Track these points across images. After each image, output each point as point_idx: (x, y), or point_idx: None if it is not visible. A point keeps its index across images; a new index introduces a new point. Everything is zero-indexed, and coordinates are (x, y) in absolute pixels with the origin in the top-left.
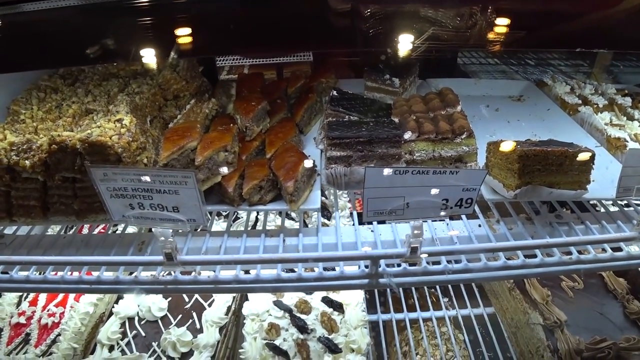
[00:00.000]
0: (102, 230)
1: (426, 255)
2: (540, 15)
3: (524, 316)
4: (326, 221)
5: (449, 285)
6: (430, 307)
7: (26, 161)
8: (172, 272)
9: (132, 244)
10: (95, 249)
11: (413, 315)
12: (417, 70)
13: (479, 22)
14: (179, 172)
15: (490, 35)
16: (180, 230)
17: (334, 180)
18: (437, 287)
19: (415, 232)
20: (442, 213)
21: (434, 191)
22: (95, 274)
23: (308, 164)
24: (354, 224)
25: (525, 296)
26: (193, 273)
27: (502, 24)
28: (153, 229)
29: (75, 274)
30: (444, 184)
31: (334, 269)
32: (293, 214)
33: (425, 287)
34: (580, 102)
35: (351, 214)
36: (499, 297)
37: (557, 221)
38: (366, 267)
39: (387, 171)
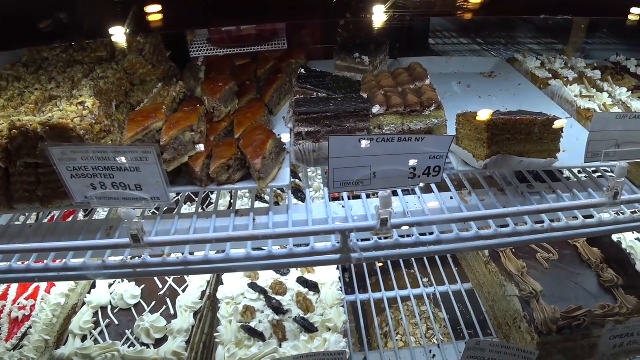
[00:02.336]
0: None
1: (396, 228)
2: None
3: (500, 289)
4: (300, 203)
5: (427, 263)
6: (409, 286)
7: None
8: (140, 256)
9: (99, 229)
10: (62, 236)
11: (391, 294)
12: (388, 49)
13: None
14: (138, 147)
15: (458, 2)
16: (145, 211)
17: (303, 157)
18: (415, 265)
19: (384, 202)
20: (410, 182)
21: (401, 159)
22: (62, 260)
23: (275, 140)
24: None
25: (501, 269)
26: (162, 255)
27: None
28: (118, 210)
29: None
30: (410, 152)
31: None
32: (266, 197)
33: (403, 266)
34: (550, 76)
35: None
36: (476, 272)
37: (529, 191)
38: (337, 242)
39: (351, 140)
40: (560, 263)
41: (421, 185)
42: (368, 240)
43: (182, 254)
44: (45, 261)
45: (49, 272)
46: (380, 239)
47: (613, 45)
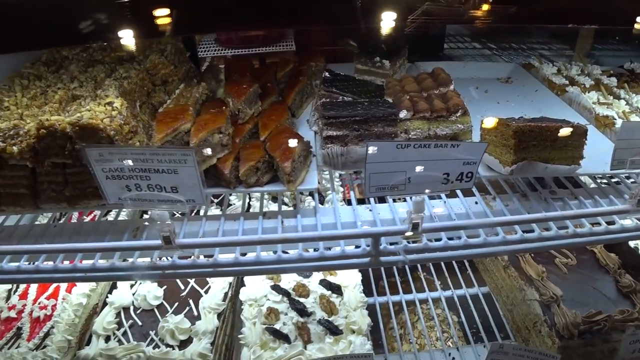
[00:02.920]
0: (92, 219)
1: (427, 232)
2: None
3: (519, 293)
4: (320, 205)
5: (443, 267)
6: (426, 289)
7: (14, 147)
8: (169, 257)
9: (125, 230)
10: (88, 237)
11: (409, 297)
12: (407, 53)
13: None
14: (178, 149)
15: (483, 11)
16: (177, 213)
17: (331, 161)
18: (432, 268)
19: (417, 207)
20: (443, 187)
21: (436, 165)
22: (89, 261)
23: (303, 144)
24: (350, 206)
25: (520, 273)
26: (192, 257)
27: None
28: (150, 212)
29: (68, 262)
30: (445, 158)
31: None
32: (286, 199)
33: (420, 270)
34: (567, 82)
35: (343, 199)
36: (494, 276)
37: (552, 197)
38: (367, 245)
39: (389, 145)
40: (579, 268)
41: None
42: (396, 243)
43: (212, 255)
44: (74, 262)
45: (76, 272)
46: (409, 242)
47: (624, 51)
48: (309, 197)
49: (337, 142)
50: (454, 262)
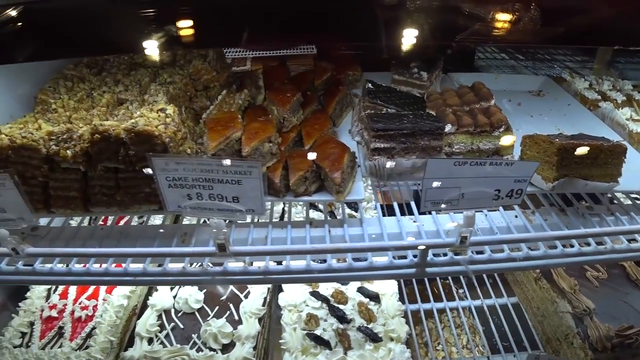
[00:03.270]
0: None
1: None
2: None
3: (551, 305)
4: (352, 212)
5: (473, 277)
6: (456, 297)
7: (67, 151)
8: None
9: (174, 235)
10: (136, 241)
11: (440, 305)
12: (442, 65)
13: (522, 18)
14: (244, 162)
15: (533, 31)
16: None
17: (377, 172)
18: (461, 278)
19: (468, 221)
20: (494, 203)
21: (489, 181)
22: (138, 265)
23: (350, 154)
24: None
25: (552, 286)
26: (242, 264)
27: (545, 20)
28: (209, 220)
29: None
30: (498, 175)
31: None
32: (320, 206)
33: (450, 278)
34: (599, 97)
35: (376, 206)
36: (524, 287)
37: (589, 212)
38: (414, 256)
39: (446, 162)
40: (609, 282)
41: None
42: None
43: (264, 262)
44: (124, 265)
45: (127, 276)
46: (455, 254)
47: None
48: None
49: (384, 154)
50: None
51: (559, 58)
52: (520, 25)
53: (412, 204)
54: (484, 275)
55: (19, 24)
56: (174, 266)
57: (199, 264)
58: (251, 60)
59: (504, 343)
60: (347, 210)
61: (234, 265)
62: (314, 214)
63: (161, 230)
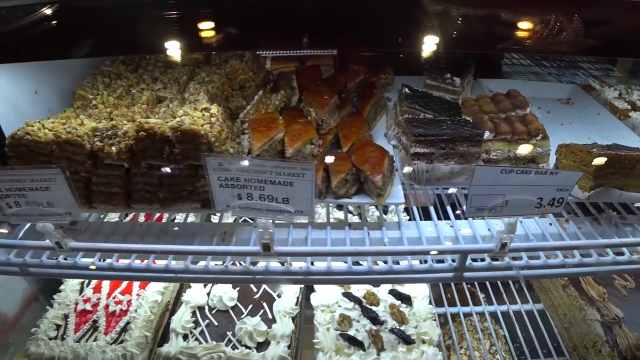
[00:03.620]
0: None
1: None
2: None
3: (579, 312)
4: (384, 215)
5: (499, 282)
6: (482, 302)
7: (112, 147)
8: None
9: (214, 233)
10: (177, 238)
11: (466, 309)
12: (473, 71)
13: (564, 29)
14: (298, 164)
15: (574, 43)
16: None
17: (416, 176)
18: (487, 283)
19: (510, 228)
20: (536, 211)
21: (533, 189)
22: (179, 263)
23: (390, 158)
24: (410, 219)
25: (581, 293)
26: (283, 264)
27: (586, 32)
28: (256, 220)
29: (160, 262)
30: (541, 184)
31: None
32: (351, 207)
33: (476, 284)
34: (629, 107)
35: (406, 209)
36: (550, 294)
37: (622, 222)
38: (453, 261)
39: (494, 170)
40: (637, 291)
41: None
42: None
43: (305, 262)
44: (165, 262)
45: (169, 273)
46: (493, 260)
47: None
48: (372, 207)
49: (424, 159)
50: None
51: (584, 66)
52: (563, 36)
53: (449, 208)
54: (510, 282)
55: (56, 21)
56: (214, 264)
57: (232, 262)
58: (271, 60)
59: (529, 349)
60: (376, 213)
61: (275, 265)
62: (338, 214)
63: (201, 229)
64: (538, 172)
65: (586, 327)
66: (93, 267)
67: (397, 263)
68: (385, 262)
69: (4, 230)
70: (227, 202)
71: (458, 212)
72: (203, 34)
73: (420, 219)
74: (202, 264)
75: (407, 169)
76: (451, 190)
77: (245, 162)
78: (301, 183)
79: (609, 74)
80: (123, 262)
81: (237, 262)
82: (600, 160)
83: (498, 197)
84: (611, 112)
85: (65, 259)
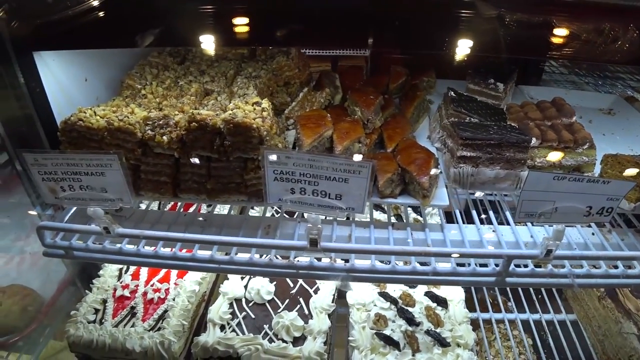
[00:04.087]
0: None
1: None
2: None
3: (615, 325)
4: (418, 217)
5: (532, 291)
6: (515, 310)
7: (163, 137)
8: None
9: (258, 226)
10: (221, 229)
11: (498, 316)
12: (516, 77)
13: (619, 39)
14: (355, 161)
15: (628, 52)
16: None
17: (460, 180)
18: (520, 291)
19: (557, 235)
20: (585, 219)
21: (583, 197)
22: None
23: (435, 160)
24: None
25: (617, 306)
26: (329, 260)
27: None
28: (306, 214)
29: (204, 252)
30: (593, 192)
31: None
32: (384, 207)
33: (509, 290)
34: None
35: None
36: (584, 305)
37: None
38: (496, 265)
39: (546, 176)
40: None
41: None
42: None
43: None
44: (211, 252)
45: (213, 263)
46: (536, 267)
47: None
48: (409, 209)
49: (470, 162)
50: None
51: (623, 76)
52: (617, 46)
53: (491, 213)
54: (543, 290)
55: (106, 11)
56: (258, 257)
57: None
58: None
59: None
60: (412, 215)
61: (319, 260)
62: (376, 215)
63: (245, 221)
64: (590, 180)
65: (622, 341)
66: (141, 254)
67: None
68: (429, 264)
69: (48, 213)
70: (279, 195)
71: (483, 217)
72: (249, 29)
73: (455, 223)
74: (245, 256)
75: (452, 172)
76: (477, 194)
77: (302, 157)
78: (357, 180)
79: None
80: (168, 250)
81: (278, 256)
82: None
83: (548, 204)
84: None
85: (112, 245)
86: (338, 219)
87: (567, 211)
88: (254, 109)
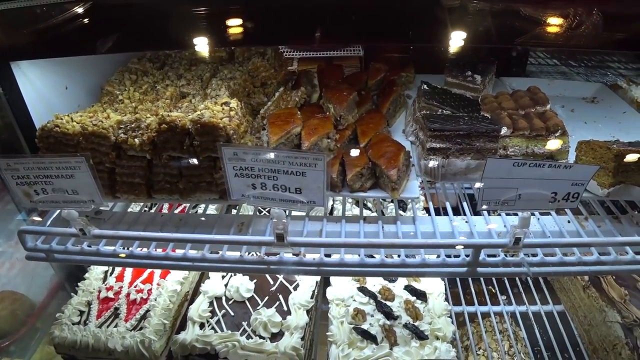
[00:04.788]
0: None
1: (528, 247)
2: None
3: (599, 314)
4: (401, 212)
5: (518, 281)
6: (501, 302)
7: (135, 139)
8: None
9: (231, 224)
10: (195, 228)
11: (484, 309)
12: (495, 69)
13: (583, 23)
14: (310, 154)
15: (594, 36)
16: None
17: (431, 171)
18: (507, 283)
19: (523, 223)
20: (550, 205)
21: (547, 184)
22: (197, 252)
23: (405, 153)
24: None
25: (601, 294)
26: (299, 255)
27: (606, 25)
28: (271, 209)
29: (178, 251)
30: (556, 178)
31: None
32: (369, 204)
33: (495, 282)
34: None
35: (426, 208)
36: (570, 295)
37: None
38: (467, 255)
39: (506, 162)
40: None
41: None
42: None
43: (318, 254)
44: (183, 250)
45: (186, 261)
46: (507, 256)
47: None
48: (391, 204)
49: (439, 154)
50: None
51: (613, 65)
52: (581, 30)
53: (465, 204)
54: (530, 281)
55: (88, 18)
56: (230, 254)
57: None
58: (298, 61)
59: (547, 352)
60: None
61: (289, 256)
62: (357, 211)
63: (219, 220)
64: (552, 165)
65: (606, 329)
66: (116, 254)
67: (413, 257)
68: (399, 256)
69: (36, 218)
70: (242, 191)
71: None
72: (227, 31)
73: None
74: (219, 253)
75: (422, 164)
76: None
77: (259, 152)
78: (313, 173)
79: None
80: (143, 250)
81: (258, 253)
82: (620, 156)
83: (510, 191)
84: (638, 110)
85: (90, 246)
86: (312, 214)
87: (531, 198)
88: (222, 109)
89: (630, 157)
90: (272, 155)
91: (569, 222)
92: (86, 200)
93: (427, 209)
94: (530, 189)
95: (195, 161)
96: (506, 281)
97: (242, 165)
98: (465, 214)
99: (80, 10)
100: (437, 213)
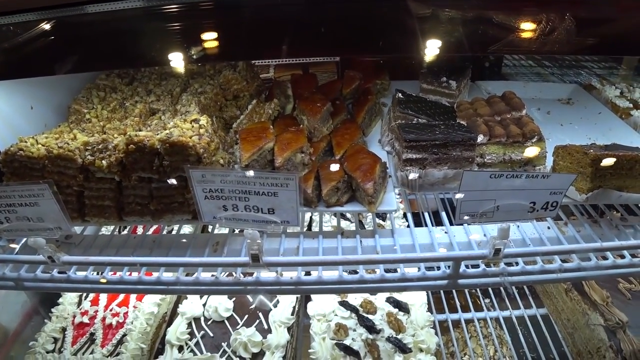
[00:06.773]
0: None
1: (507, 257)
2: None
3: (582, 317)
4: (381, 222)
5: (502, 288)
6: (484, 308)
7: (102, 161)
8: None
9: (206, 244)
10: (169, 250)
11: (467, 315)
12: (470, 73)
13: (556, 29)
14: (281, 174)
15: (567, 42)
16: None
17: (408, 182)
18: (490, 289)
19: (502, 234)
20: (529, 215)
21: (524, 194)
22: (171, 274)
23: (381, 165)
24: (408, 225)
25: (583, 297)
26: (275, 274)
27: (579, 30)
28: (245, 231)
29: (153, 274)
30: (533, 188)
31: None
32: (348, 215)
33: (478, 289)
34: (631, 106)
35: (405, 214)
36: (553, 299)
37: (623, 224)
38: (447, 267)
39: (482, 175)
40: None
41: None
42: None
43: (296, 272)
44: (157, 274)
45: (160, 285)
46: (487, 266)
47: None
48: (369, 215)
49: (416, 164)
50: None
51: (586, 65)
52: (554, 36)
53: (443, 214)
54: (513, 287)
55: (52, 36)
56: (206, 275)
57: (228, 273)
58: (274, 68)
59: (532, 355)
60: (376, 220)
61: (266, 275)
62: (342, 223)
63: (193, 240)
64: (529, 175)
65: (589, 332)
66: (88, 280)
67: (395, 271)
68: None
69: (3, 244)
70: (213, 213)
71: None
72: (197, 45)
73: (432, 225)
74: (193, 275)
75: (399, 175)
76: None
77: (228, 173)
78: (285, 193)
79: (613, 72)
80: (115, 275)
81: (232, 273)
82: (597, 161)
83: (488, 203)
84: (612, 111)
85: (60, 273)
86: (289, 230)
87: (510, 209)
88: (192, 126)
89: (607, 162)
90: (242, 176)
91: (548, 228)
92: (53, 228)
93: (406, 215)
94: (508, 200)
95: (166, 182)
96: (490, 288)
97: (212, 187)
98: (443, 224)
99: (45, 28)
100: (417, 217)
